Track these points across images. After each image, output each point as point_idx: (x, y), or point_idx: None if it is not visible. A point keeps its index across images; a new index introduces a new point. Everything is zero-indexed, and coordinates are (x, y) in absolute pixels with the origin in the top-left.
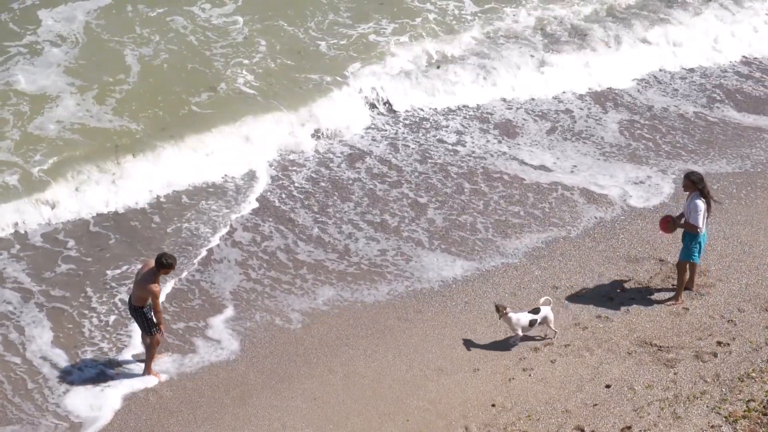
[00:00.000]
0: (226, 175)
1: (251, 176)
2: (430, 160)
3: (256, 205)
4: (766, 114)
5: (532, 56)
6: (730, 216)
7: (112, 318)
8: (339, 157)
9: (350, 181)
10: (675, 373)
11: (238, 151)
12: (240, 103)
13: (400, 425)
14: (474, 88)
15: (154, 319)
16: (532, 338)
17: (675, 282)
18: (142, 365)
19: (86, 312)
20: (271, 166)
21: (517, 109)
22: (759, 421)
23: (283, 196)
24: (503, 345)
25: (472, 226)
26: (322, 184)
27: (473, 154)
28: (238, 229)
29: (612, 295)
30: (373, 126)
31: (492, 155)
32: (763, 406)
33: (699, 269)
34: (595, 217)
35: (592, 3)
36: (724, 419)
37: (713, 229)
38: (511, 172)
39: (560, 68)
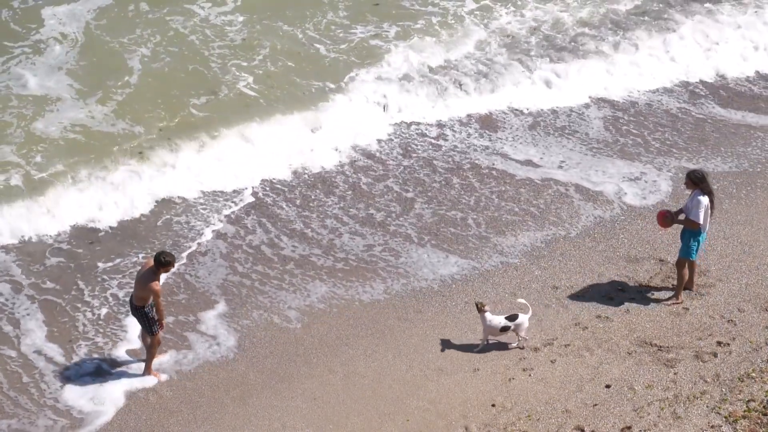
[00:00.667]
0: (224, 175)
1: (247, 176)
2: (414, 155)
3: (248, 201)
4: (753, 110)
5: (529, 73)
6: (730, 216)
7: (104, 311)
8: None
9: (333, 174)
10: (675, 373)
11: (239, 151)
12: (240, 104)
13: (400, 425)
14: (474, 96)
15: (156, 318)
16: (504, 346)
17: (675, 282)
18: (139, 361)
19: (79, 305)
20: (268, 166)
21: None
22: (759, 421)
23: (267, 189)
24: (503, 345)
25: (463, 222)
26: (305, 176)
27: (456, 149)
28: (223, 222)
29: (612, 295)
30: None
31: (476, 150)
32: (763, 406)
33: (699, 269)
34: (594, 216)
35: (588, 5)
36: (724, 419)
37: (713, 229)
38: (498, 167)
39: (564, 80)
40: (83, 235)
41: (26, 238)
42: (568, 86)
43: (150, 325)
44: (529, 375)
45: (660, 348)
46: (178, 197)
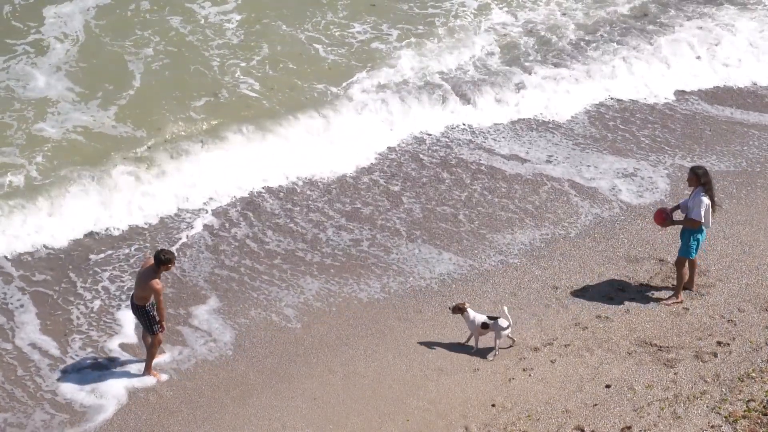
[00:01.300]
0: (224, 175)
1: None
2: (399, 147)
3: (245, 201)
4: (740, 107)
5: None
6: (730, 216)
7: (97, 303)
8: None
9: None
10: (675, 373)
11: (239, 152)
12: (241, 105)
13: (400, 425)
14: (469, 108)
15: (157, 317)
16: (492, 347)
17: (675, 281)
18: (139, 361)
19: (72, 299)
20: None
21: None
22: (759, 421)
23: (264, 191)
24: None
25: (454, 218)
26: (305, 179)
27: (439, 143)
28: (208, 214)
29: (612, 295)
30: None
31: (459, 144)
32: (763, 406)
33: (699, 269)
34: (593, 215)
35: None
36: (724, 419)
37: (713, 229)
38: (485, 162)
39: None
40: (78, 229)
41: (23, 239)
42: (560, 90)
43: (151, 324)
44: (529, 375)
45: (660, 348)
46: (174, 195)
